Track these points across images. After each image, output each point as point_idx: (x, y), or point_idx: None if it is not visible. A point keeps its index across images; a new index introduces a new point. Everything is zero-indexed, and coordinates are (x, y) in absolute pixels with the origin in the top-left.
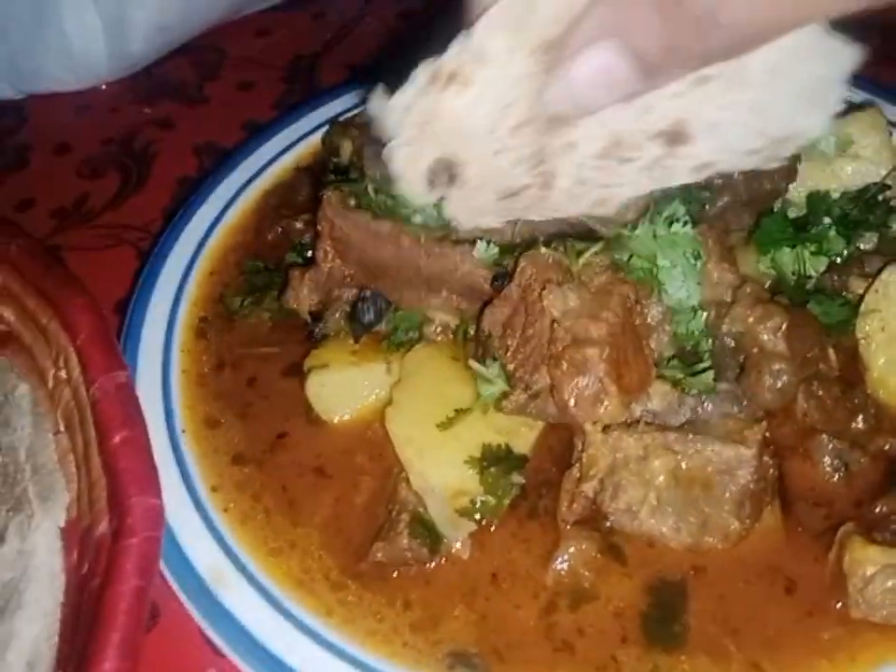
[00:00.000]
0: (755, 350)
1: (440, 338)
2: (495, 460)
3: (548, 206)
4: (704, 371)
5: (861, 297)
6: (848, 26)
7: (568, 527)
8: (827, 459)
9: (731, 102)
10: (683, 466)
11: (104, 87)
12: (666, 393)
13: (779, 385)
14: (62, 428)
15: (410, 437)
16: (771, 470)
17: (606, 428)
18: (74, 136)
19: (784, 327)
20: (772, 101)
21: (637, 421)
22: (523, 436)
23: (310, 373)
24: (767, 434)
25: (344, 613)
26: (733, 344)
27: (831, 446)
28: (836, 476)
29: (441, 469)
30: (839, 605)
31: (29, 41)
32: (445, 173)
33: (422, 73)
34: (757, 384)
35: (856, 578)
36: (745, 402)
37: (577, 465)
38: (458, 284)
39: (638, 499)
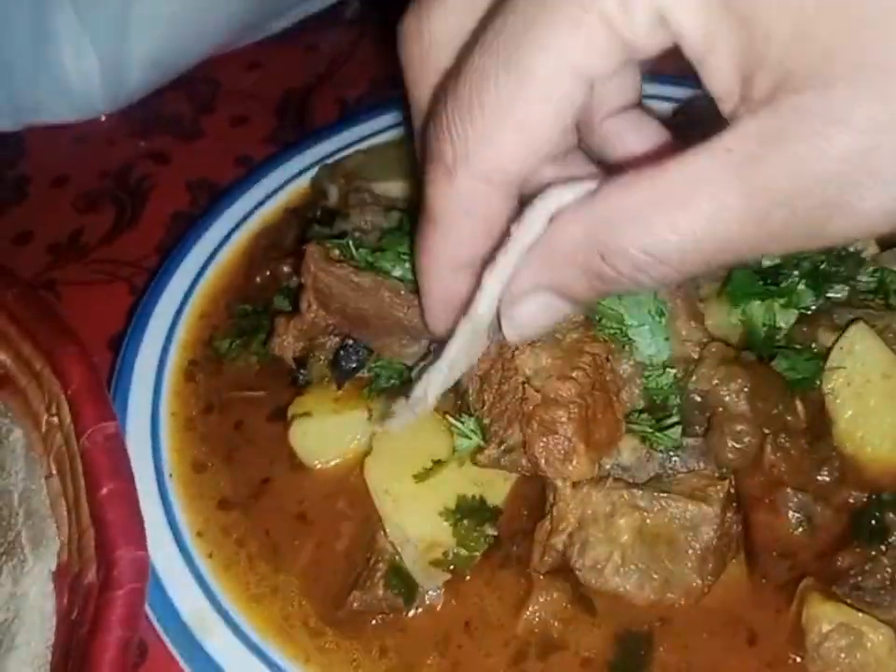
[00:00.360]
0: (719, 409)
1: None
2: (469, 512)
3: None
4: (672, 425)
5: (829, 350)
6: None
7: (541, 577)
8: (791, 512)
9: None
10: (648, 522)
11: (102, 118)
12: (636, 448)
13: (741, 445)
14: (54, 472)
15: (387, 489)
16: (735, 526)
17: (576, 484)
18: (72, 169)
19: (746, 388)
20: None
21: (608, 475)
22: (497, 487)
23: (293, 421)
24: (732, 490)
25: (322, 660)
26: (699, 400)
27: (796, 499)
28: (800, 528)
29: (416, 521)
30: (798, 659)
31: (29, 76)
32: None
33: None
34: (720, 444)
35: (813, 633)
36: (711, 458)
37: (548, 517)
38: None
39: (604, 557)
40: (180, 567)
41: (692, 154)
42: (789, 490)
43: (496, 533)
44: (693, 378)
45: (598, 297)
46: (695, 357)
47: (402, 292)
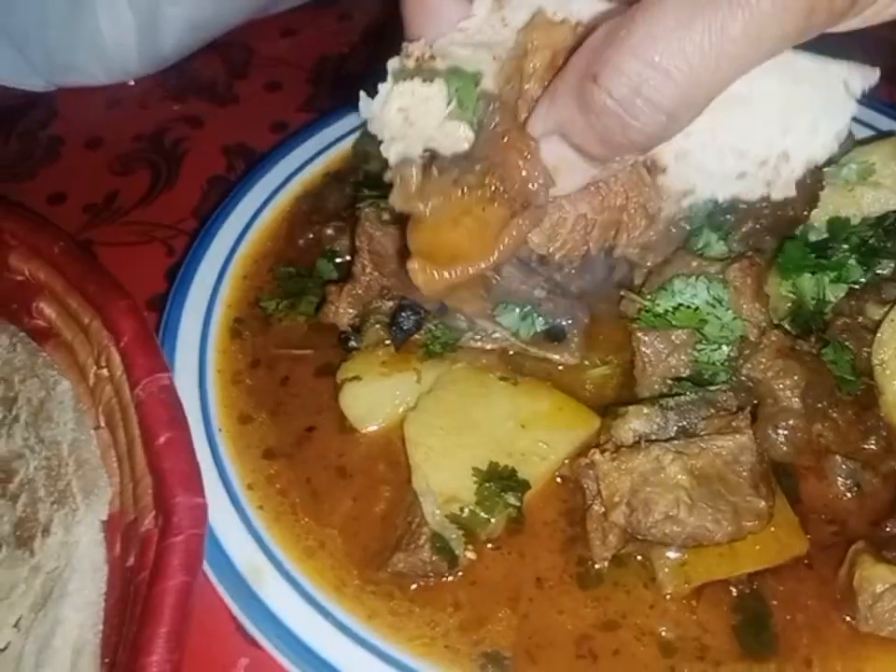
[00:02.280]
0: (770, 401)
1: (477, 344)
2: (496, 477)
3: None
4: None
5: (878, 323)
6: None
7: (606, 566)
8: (840, 479)
9: (691, 128)
10: (696, 464)
11: (132, 83)
12: (649, 413)
13: (793, 439)
14: (102, 424)
15: (421, 441)
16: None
17: (614, 458)
18: (105, 131)
19: (801, 386)
20: (742, 124)
21: (637, 442)
22: (532, 465)
23: (343, 385)
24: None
25: (391, 619)
26: (750, 385)
27: (844, 466)
28: (849, 495)
29: (441, 474)
30: (848, 619)
31: (64, 36)
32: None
33: (392, 64)
34: (771, 436)
35: (865, 594)
36: (721, 401)
37: (595, 503)
38: (495, 289)
39: (673, 504)
40: (233, 518)
41: None
42: (838, 457)
43: (518, 504)
44: (748, 364)
45: (604, 146)
46: (752, 339)
47: None
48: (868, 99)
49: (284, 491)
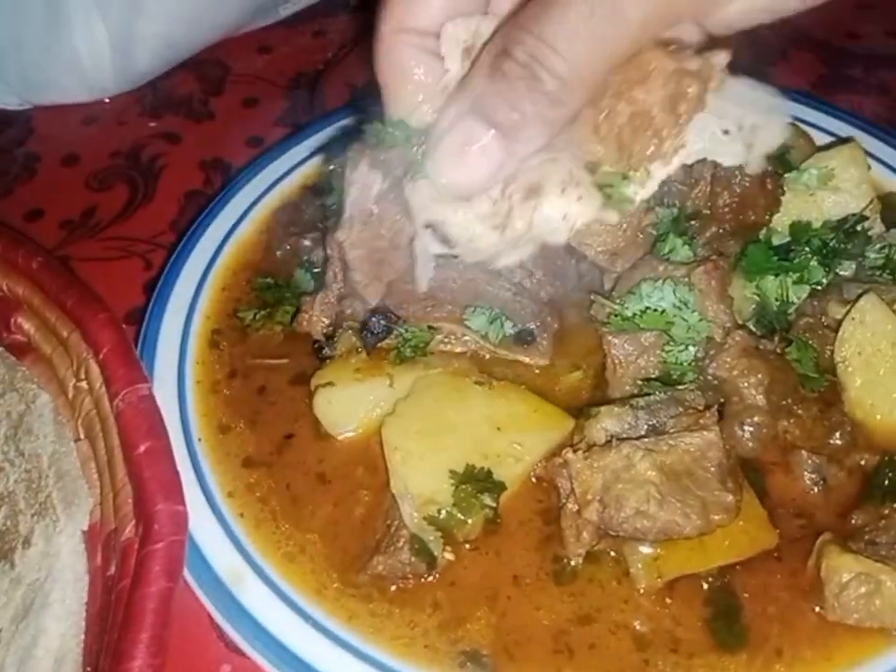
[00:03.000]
0: (735, 399)
1: (447, 347)
2: (472, 479)
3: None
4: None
5: (839, 322)
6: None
7: (580, 562)
8: (807, 473)
9: None
10: (665, 460)
11: (107, 101)
12: (620, 413)
13: (759, 435)
14: (82, 436)
15: (398, 445)
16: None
17: (587, 456)
18: (81, 148)
19: (765, 383)
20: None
21: (609, 441)
22: (507, 466)
23: (316, 391)
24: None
25: (371, 621)
26: (716, 384)
27: (810, 461)
28: (815, 489)
29: (418, 477)
30: (817, 609)
31: (39, 54)
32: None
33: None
34: (737, 433)
35: (832, 584)
36: (689, 400)
37: (569, 502)
38: (462, 293)
39: (643, 499)
40: (213, 525)
41: None
42: (804, 452)
43: (494, 505)
44: (714, 364)
45: (514, 115)
46: (718, 339)
47: None
48: (827, 106)
49: (264, 498)
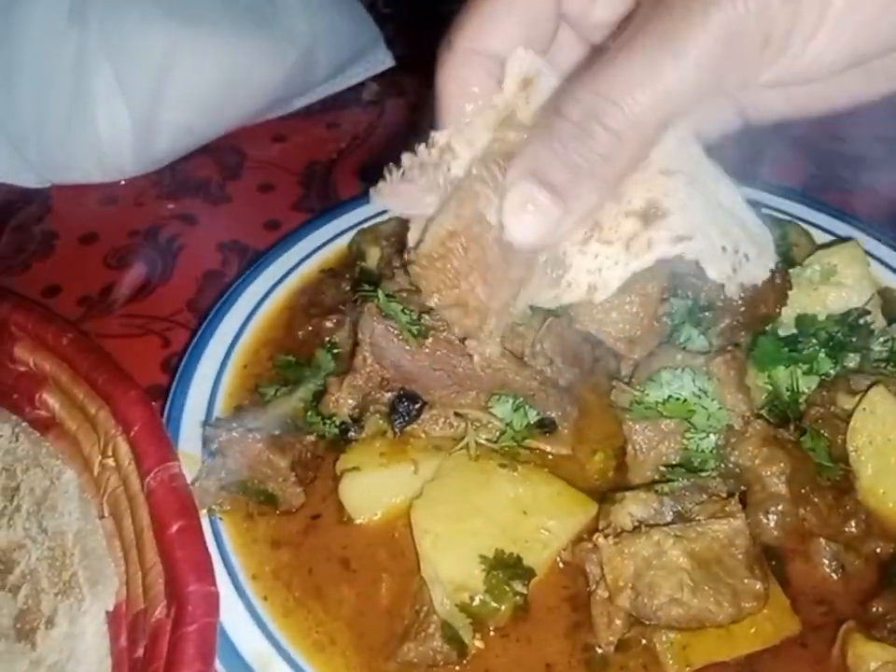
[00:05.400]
0: (758, 487)
1: (473, 432)
2: (503, 565)
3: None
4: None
5: (850, 413)
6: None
7: (612, 651)
8: (825, 561)
9: (691, 194)
10: (695, 548)
11: (122, 182)
12: (646, 499)
13: (783, 523)
14: (106, 514)
15: (428, 528)
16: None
17: (616, 542)
18: (99, 227)
19: (787, 473)
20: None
21: (637, 527)
22: (535, 552)
23: (343, 476)
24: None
25: None
26: (737, 472)
27: (828, 549)
28: (834, 576)
29: (449, 562)
30: None
31: (61, 135)
32: None
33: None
34: (763, 522)
35: None
36: (712, 487)
37: (599, 588)
38: (489, 381)
39: (677, 587)
40: (239, 608)
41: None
42: (821, 540)
43: (525, 592)
44: (736, 452)
45: (569, 173)
46: (737, 428)
47: (456, 342)
48: (828, 208)
49: (288, 583)
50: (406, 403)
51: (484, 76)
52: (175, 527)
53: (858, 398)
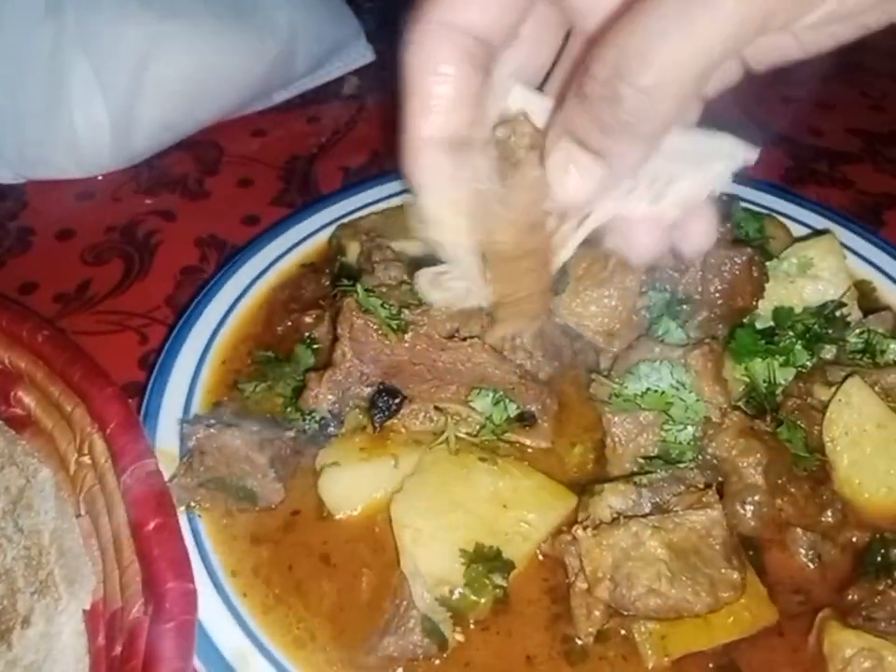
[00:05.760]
0: (735, 478)
1: (453, 426)
2: (482, 559)
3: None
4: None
5: (826, 404)
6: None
7: (591, 642)
8: (802, 550)
9: None
10: (672, 538)
11: (99, 178)
12: (624, 491)
13: (759, 513)
14: (83, 512)
15: (408, 523)
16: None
17: (595, 534)
18: (76, 223)
19: (763, 463)
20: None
21: (616, 519)
22: (515, 545)
23: (322, 472)
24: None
25: None
26: (715, 463)
27: (805, 538)
28: (811, 565)
29: (429, 557)
30: None
31: (38, 130)
32: None
33: None
34: (739, 512)
35: (836, 660)
36: (689, 478)
37: (578, 580)
38: (469, 375)
39: (654, 577)
40: (218, 606)
41: None
42: (798, 530)
43: (504, 584)
44: (713, 444)
45: (604, 133)
46: (715, 419)
47: (436, 337)
48: (800, 199)
49: (268, 579)
50: (386, 398)
51: (459, 54)
52: (152, 525)
53: (834, 389)
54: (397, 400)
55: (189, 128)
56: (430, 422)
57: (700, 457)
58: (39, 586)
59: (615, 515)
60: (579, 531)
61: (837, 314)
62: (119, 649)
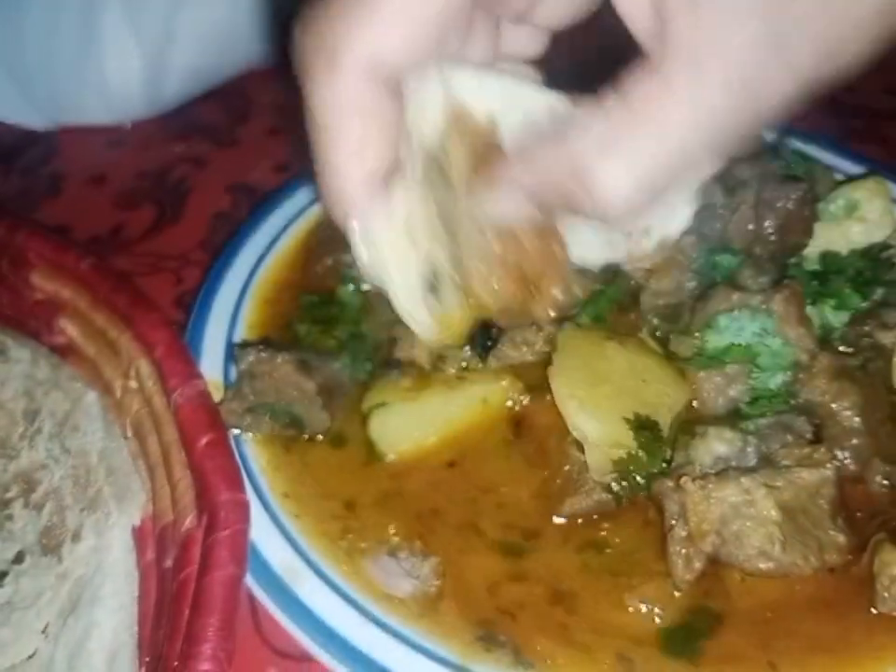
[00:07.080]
0: (831, 423)
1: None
2: (646, 427)
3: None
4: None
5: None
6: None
7: (686, 588)
8: (878, 478)
9: None
10: (784, 497)
11: (129, 125)
12: (732, 438)
13: (859, 457)
14: (129, 434)
15: (570, 394)
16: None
17: (703, 486)
18: (107, 169)
19: (859, 405)
20: None
21: (725, 469)
22: (662, 415)
23: (370, 413)
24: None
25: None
26: (809, 408)
27: (882, 468)
28: (884, 491)
29: (599, 422)
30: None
31: (70, 76)
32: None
33: None
34: (839, 455)
35: (884, 576)
36: (796, 426)
37: (678, 524)
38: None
39: (766, 539)
40: (266, 521)
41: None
42: (877, 460)
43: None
44: (806, 389)
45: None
46: (805, 363)
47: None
48: (846, 151)
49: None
50: (487, 332)
51: (376, 87)
52: (204, 440)
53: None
54: (495, 334)
55: (221, 75)
56: (526, 346)
57: (794, 403)
58: (88, 503)
59: (719, 464)
60: (688, 483)
61: (883, 255)
62: (169, 562)
